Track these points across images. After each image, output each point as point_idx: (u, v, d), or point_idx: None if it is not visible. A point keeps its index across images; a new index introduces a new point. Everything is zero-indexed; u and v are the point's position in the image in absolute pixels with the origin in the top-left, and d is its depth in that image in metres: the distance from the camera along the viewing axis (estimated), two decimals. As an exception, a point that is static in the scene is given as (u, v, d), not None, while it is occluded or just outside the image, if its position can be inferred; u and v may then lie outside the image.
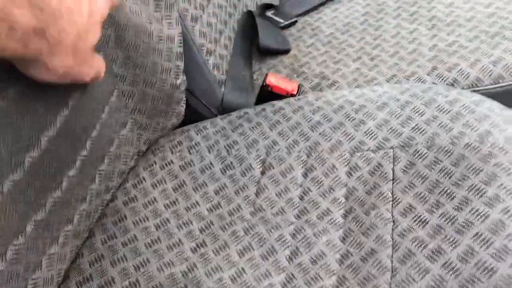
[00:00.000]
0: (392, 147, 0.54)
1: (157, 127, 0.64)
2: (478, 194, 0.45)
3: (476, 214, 0.44)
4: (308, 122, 0.60)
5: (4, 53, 0.33)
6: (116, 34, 0.54)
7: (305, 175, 0.56)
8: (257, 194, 0.56)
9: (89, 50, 0.41)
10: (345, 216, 0.51)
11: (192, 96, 0.70)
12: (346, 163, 0.55)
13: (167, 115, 0.64)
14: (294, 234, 0.51)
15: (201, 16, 0.68)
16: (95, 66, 0.44)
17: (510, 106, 0.60)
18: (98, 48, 0.50)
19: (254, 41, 0.82)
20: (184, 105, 0.67)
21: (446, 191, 0.47)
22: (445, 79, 0.64)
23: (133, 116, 0.59)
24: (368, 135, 0.56)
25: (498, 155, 0.48)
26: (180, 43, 0.62)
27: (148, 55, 0.58)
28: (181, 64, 0.63)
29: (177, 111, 0.66)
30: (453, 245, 0.43)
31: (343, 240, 0.49)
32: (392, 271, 0.43)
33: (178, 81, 0.63)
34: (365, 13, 0.83)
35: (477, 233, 0.42)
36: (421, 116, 0.55)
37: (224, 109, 0.72)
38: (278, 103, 0.65)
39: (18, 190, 0.41)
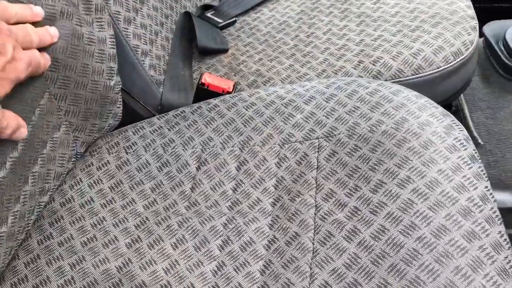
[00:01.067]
0: (317, 138, 0.56)
1: (93, 128, 0.65)
2: (391, 176, 0.49)
3: (389, 195, 0.47)
4: (241, 117, 0.62)
5: None
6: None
7: (238, 169, 0.58)
8: (192, 189, 0.58)
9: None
10: (273, 204, 0.53)
11: (129, 97, 0.71)
12: (276, 155, 0.57)
13: (102, 116, 0.65)
14: (225, 224, 0.53)
15: (134, 18, 0.70)
16: (6, 119, 0.44)
17: (430, 95, 0.64)
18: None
19: (193, 42, 0.84)
20: (121, 106, 0.68)
21: (364, 175, 0.50)
22: (370, 71, 0.67)
23: (67, 118, 0.60)
24: (296, 127, 0.59)
25: (411, 140, 0.51)
26: (113, 44, 0.63)
27: (78, 57, 0.59)
28: (114, 66, 0.64)
29: (113, 112, 0.67)
30: (368, 225, 0.46)
31: (270, 227, 0.51)
32: (313, 252, 0.46)
33: (112, 82, 0.64)
34: (300, 12, 0.86)
35: (388, 212, 0.46)
36: (343, 107, 0.58)
37: (164, 108, 0.73)
38: (214, 101, 0.67)
39: None
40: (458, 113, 0.82)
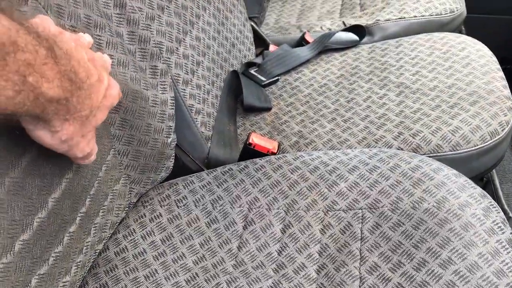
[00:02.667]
0: (361, 208, 0.60)
1: (148, 181, 0.69)
2: (434, 256, 0.52)
3: (431, 275, 0.50)
4: (287, 181, 0.66)
5: (21, 111, 0.37)
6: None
7: (283, 231, 0.62)
8: (239, 248, 0.61)
9: (93, 128, 0.46)
10: (318, 271, 0.56)
11: (181, 151, 0.76)
12: (320, 221, 0.61)
13: (157, 170, 0.70)
14: (272, 287, 0.56)
15: (191, 79, 0.75)
16: (90, 146, 0.48)
17: (465, 171, 0.68)
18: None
19: (239, 99, 0.89)
20: (173, 160, 0.72)
21: (407, 252, 0.53)
22: (409, 144, 0.71)
23: (126, 172, 0.65)
24: (340, 195, 0.62)
25: (452, 221, 0.55)
26: (172, 105, 0.69)
27: (143, 118, 0.64)
28: (172, 125, 0.69)
29: (167, 165, 0.71)
30: (411, 303, 0.49)
31: (316, 294, 0.54)
32: (358, 325, 0.49)
33: (169, 140, 0.69)
34: (340, 76, 0.91)
35: (432, 292, 0.49)
36: (386, 180, 0.62)
37: (210, 162, 0.78)
38: (260, 161, 0.71)
39: (26, 248, 0.45)
40: (489, 184, 0.85)
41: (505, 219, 0.57)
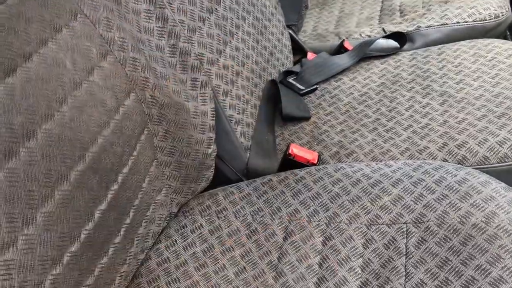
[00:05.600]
0: (405, 223, 0.59)
1: (189, 191, 0.70)
2: (483, 274, 0.50)
3: (481, 294, 0.48)
4: (328, 193, 0.65)
5: None
6: (158, 111, 0.61)
7: (324, 243, 0.61)
8: (279, 259, 0.61)
9: None
10: (361, 287, 0.55)
11: (220, 161, 0.76)
12: (362, 235, 0.60)
13: (198, 180, 0.70)
14: (314, 302, 0.55)
15: (230, 90, 0.75)
16: None
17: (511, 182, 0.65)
18: (142, 123, 0.57)
19: (277, 108, 0.89)
20: (213, 170, 0.73)
21: (455, 269, 0.52)
22: (454, 155, 0.69)
23: (168, 183, 0.65)
24: (384, 209, 0.61)
25: (503, 237, 0.53)
26: (213, 116, 0.69)
27: (185, 129, 0.65)
28: (213, 135, 0.69)
29: (207, 176, 0.72)
30: (461, 323, 0.47)
31: (359, 310, 0.53)
32: None
33: (210, 150, 0.69)
34: (381, 84, 0.90)
35: (482, 313, 0.47)
36: (432, 194, 0.60)
37: (249, 172, 0.78)
38: (300, 173, 0.70)
39: (74, 260, 0.46)
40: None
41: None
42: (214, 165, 0.72)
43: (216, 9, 0.74)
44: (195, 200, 0.72)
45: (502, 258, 0.51)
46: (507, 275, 0.49)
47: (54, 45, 0.48)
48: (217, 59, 0.73)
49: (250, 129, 0.80)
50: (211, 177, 0.73)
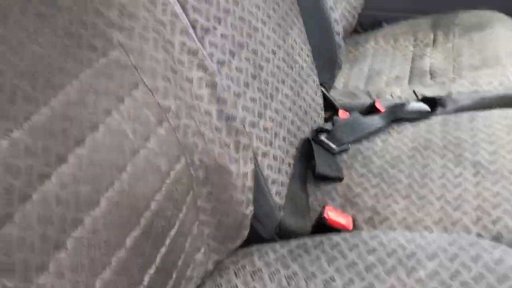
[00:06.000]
0: (442, 299, 0.59)
1: (225, 250, 0.71)
2: None
3: None
4: (364, 262, 0.66)
5: None
6: (204, 174, 0.63)
7: (359, 314, 0.62)
8: (314, 327, 0.62)
9: None
10: None
11: (255, 220, 0.77)
12: (398, 309, 0.60)
13: (235, 239, 0.72)
14: None
15: (269, 151, 0.78)
16: None
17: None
18: (189, 186, 0.59)
19: (310, 166, 0.91)
20: (248, 229, 0.74)
21: None
22: (489, 231, 0.70)
23: (207, 242, 0.67)
24: (420, 283, 0.62)
25: (542, 324, 0.53)
26: (253, 178, 0.71)
27: (227, 191, 0.67)
28: (251, 196, 0.71)
29: (243, 234, 0.73)
30: None
31: None
32: None
33: (248, 211, 0.71)
34: (413, 148, 0.91)
35: None
36: (468, 272, 0.61)
37: (282, 230, 0.79)
38: (335, 238, 0.71)
39: None
40: None
41: None
42: (249, 224, 0.74)
43: (259, 74, 0.77)
44: (230, 258, 0.73)
45: None
46: None
47: (117, 114, 0.51)
48: (258, 122, 0.76)
49: (284, 188, 0.82)
50: (245, 236, 0.74)
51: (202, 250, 0.67)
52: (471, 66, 1.12)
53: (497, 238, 0.69)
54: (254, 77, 0.76)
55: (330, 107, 1.12)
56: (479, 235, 0.70)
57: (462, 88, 1.05)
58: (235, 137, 0.70)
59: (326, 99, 1.11)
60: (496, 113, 0.95)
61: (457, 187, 0.79)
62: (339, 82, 1.24)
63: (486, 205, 0.73)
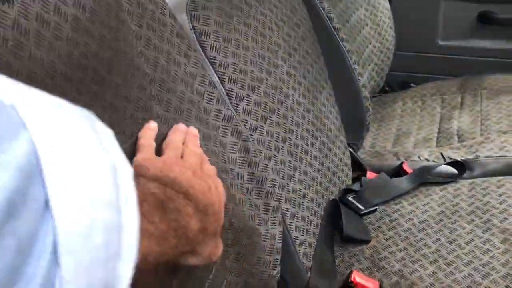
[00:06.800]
0: None
1: (252, 311, 0.72)
2: None
3: None
4: (390, 329, 0.66)
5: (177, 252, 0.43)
6: (233, 235, 0.66)
7: None
8: None
9: (219, 235, 0.51)
10: None
11: (282, 280, 0.79)
12: None
13: (261, 300, 0.73)
14: None
15: (297, 212, 0.80)
16: (219, 247, 0.52)
17: None
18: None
19: (337, 227, 0.92)
20: (275, 289, 0.76)
21: None
22: (519, 301, 0.69)
23: (234, 302, 0.69)
24: None
25: None
26: (280, 239, 0.73)
27: (255, 252, 0.69)
28: (279, 257, 0.73)
29: (269, 295, 0.75)
30: None
31: None
32: None
33: (275, 272, 0.73)
34: (441, 212, 0.92)
35: None
36: None
37: (308, 292, 0.80)
38: (363, 304, 0.72)
39: None
40: None
41: None
42: (277, 285, 0.75)
43: (289, 137, 0.81)
44: (256, 318, 0.74)
45: None
46: None
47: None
48: (287, 184, 0.79)
49: (311, 249, 0.83)
50: (272, 296, 0.76)
51: (229, 310, 0.68)
52: (499, 130, 1.13)
53: (526, 310, 0.68)
54: (284, 141, 0.79)
55: (358, 167, 1.14)
56: (508, 306, 0.70)
57: (489, 152, 1.05)
58: (265, 199, 0.73)
59: (354, 160, 1.13)
60: (525, 179, 0.95)
61: (485, 254, 0.79)
62: (367, 141, 1.26)
63: (515, 275, 0.73)
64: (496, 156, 1.04)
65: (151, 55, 0.58)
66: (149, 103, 0.57)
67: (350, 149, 1.13)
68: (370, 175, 1.08)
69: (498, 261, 0.77)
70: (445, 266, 0.79)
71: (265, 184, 0.72)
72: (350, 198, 1.00)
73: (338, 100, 1.06)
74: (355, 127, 1.14)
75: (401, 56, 1.55)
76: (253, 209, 0.69)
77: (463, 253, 0.80)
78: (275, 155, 0.77)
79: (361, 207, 0.97)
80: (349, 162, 1.09)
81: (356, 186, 1.04)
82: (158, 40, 0.60)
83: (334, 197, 0.96)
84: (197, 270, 0.58)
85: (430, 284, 0.76)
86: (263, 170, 0.73)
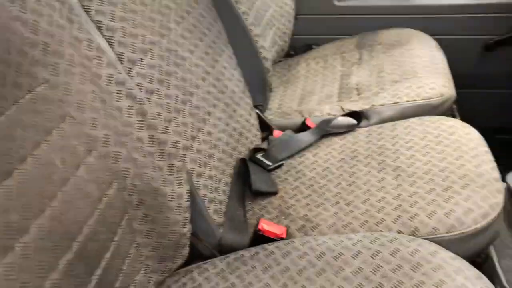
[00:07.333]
0: (366, 293, 0.64)
1: (165, 269, 0.74)
2: None
3: None
4: (296, 266, 0.71)
5: None
6: (138, 198, 0.67)
7: (293, 316, 0.66)
8: (253, 333, 0.65)
9: None
10: None
11: (195, 238, 0.81)
12: (328, 306, 0.65)
13: (174, 258, 0.75)
14: None
15: (204, 172, 0.82)
16: None
17: (461, 251, 0.73)
18: (123, 210, 0.63)
19: (247, 184, 0.96)
20: (188, 248, 0.78)
21: (410, 336, 0.57)
22: (408, 227, 0.77)
23: (146, 263, 0.70)
24: (346, 280, 0.67)
25: (450, 304, 0.59)
26: (188, 198, 0.75)
27: (162, 212, 0.70)
28: (188, 215, 0.75)
29: (183, 254, 0.77)
30: None
31: None
32: None
33: (186, 230, 0.75)
34: (341, 159, 0.98)
35: None
36: (388, 264, 0.66)
37: (222, 247, 0.83)
38: (269, 247, 0.76)
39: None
40: (487, 261, 0.89)
41: (501, 300, 0.61)
42: (189, 243, 0.77)
43: (189, 100, 0.82)
44: (171, 277, 0.76)
45: (451, 324, 0.57)
46: None
47: (46, 146, 0.54)
48: (191, 145, 0.80)
49: (222, 206, 0.86)
50: (186, 255, 0.78)
51: (142, 271, 0.70)
52: (392, 81, 1.21)
53: (414, 233, 0.76)
54: (184, 103, 0.80)
55: (266, 128, 1.17)
56: (399, 231, 0.77)
57: (383, 101, 1.13)
58: (168, 160, 0.74)
59: (261, 120, 1.17)
60: (414, 121, 1.03)
61: (380, 190, 0.86)
62: (274, 103, 1.30)
63: (405, 205, 0.80)
64: (390, 104, 1.12)
65: (29, 19, 0.56)
66: (33, 69, 0.55)
67: (257, 111, 1.16)
68: (276, 133, 1.13)
69: (391, 195, 0.84)
70: (345, 206, 0.85)
71: (166, 145, 0.73)
72: (258, 156, 1.03)
73: (240, 63, 1.08)
74: (259, 88, 1.18)
75: (302, 19, 1.60)
76: (156, 170, 0.70)
77: (361, 193, 0.87)
78: (175, 117, 0.77)
79: (269, 163, 1.01)
80: (256, 123, 1.12)
81: (264, 145, 1.08)
82: (35, 4, 0.58)
83: (243, 157, 0.99)
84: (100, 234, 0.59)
85: (332, 224, 0.82)
86: (164, 132, 0.73)
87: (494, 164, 0.86)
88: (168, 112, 0.76)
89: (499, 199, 0.78)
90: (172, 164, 0.74)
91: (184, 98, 0.81)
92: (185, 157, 0.78)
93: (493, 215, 0.77)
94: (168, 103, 0.76)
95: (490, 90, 1.59)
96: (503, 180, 0.91)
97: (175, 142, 0.76)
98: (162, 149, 0.73)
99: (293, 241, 0.76)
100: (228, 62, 1.02)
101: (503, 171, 0.93)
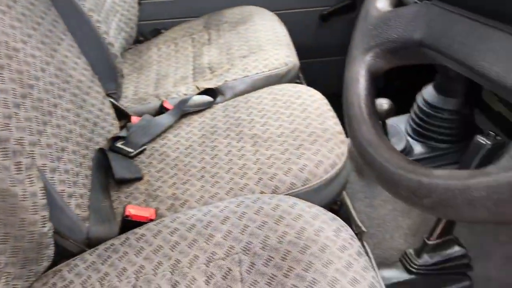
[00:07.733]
0: (237, 253, 0.68)
1: (31, 274, 0.69)
2: (301, 280, 0.61)
3: (302, 296, 0.59)
4: (168, 243, 0.72)
5: None
6: (-17, 202, 0.61)
7: (172, 290, 0.67)
8: (133, 317, 0.65)
9: None
10: (209, 319, 0.62)
11: (59, 237, 0.77)
12: (203, 274, 0.67)
13: (38, 261, 0.70)
14: None
15: (57, 166, 0.77)
16: None
17: (319, 200, 0.80)
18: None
19: (109, 173, 0.93)
20: (53, 248, 0.73)
21: (280, 282, 0.62)
22: (269, 186, 0.82)
23: (6, 270, 0.65)
24: (218, 246, 0.69)
25: (311, 246, 0.65)
26: (43, 195, 0.71)
27: (16, 214, 0.65)
28: (46, 214, 0.71)
29: (47, 254, 0.72)
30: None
31: None
32: None
33: (46, 229, 0.70)
34: (202, 136, 1.00)
35: (304, 311, 0.57)
36: (254, 223, 0.70)
37: (91, 241, 0.80)
38: (140, 231, 0.75)
39: None
40: (343, 206, 0.99)
41: (353, 235, 0.69)
42: (53, 242, 0.73)
43: (30, 93, 0.76)
44: (39, 281, 0.71)
45: (313, 263, 0.62)
46: (318, 276, 0.61)
47: None
48: (39, 140, 0.75)
49: (84, 199, 0.82)
50: (52, 255, 0.73)
51: (3, 280, 0.64)
52: (240, 56, 1.26)
53: (275, 191, 0.81)
54: (24, 96, 0.75)
55: (123, 116, 1.15)
56: (262, 192, 0.81)
57: (235, 76, 1.18)
58: (14, 158, 0.68)
59: (117, 108, 1.14)
60: (265, 91, 1.09)
61: (240, 158, 0.90)
62: (129, 90, 1.27)
63: (263, 167, 0.85)
64: (241, 78, 1.17)
65: None
66: None
67: (111, 99, 1.12)
68: (135, 119, 1.11)
69: (251, 161, 0.88)
70: (210, 179, 0.87)
71: (9, 142, 0.68)
72: (118, 145, 1.01)
73: (84, 51, 1.04)
74: (109, 76, 1.14)
75: (147, 4, 1.57)
76: (2, 171, 0.65)
77: (224, 163, 0.90)
78: (16, 112, 0.72)
79: (131, 150, 1.00)
80: (111, 111, 1.09)
81: (123, 133, 1.05)
82: None
83: (101, 147, 0.96)
84: None
85: (200, 197, 0.84)
86: (4, 129, 0.68)
87: (337, 120, 0.95)
88: (6, 108, 0.70)
89: (343, 149, 0.87)
90: (19, 162, 0.68)
91: (23, 91, 0.75)
92: (33, 153, 0.73)
93: (340, 164, 0.85)
94: (4, 98, 0.70)
95: (329, 58, 1.75)
96: (347, 135, 1.01)
97: (19, 139, 0.70)
98: (5, 148, 0.67)
99: (163, 220, 0.76)
100: (69, 50, 0.96)
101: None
